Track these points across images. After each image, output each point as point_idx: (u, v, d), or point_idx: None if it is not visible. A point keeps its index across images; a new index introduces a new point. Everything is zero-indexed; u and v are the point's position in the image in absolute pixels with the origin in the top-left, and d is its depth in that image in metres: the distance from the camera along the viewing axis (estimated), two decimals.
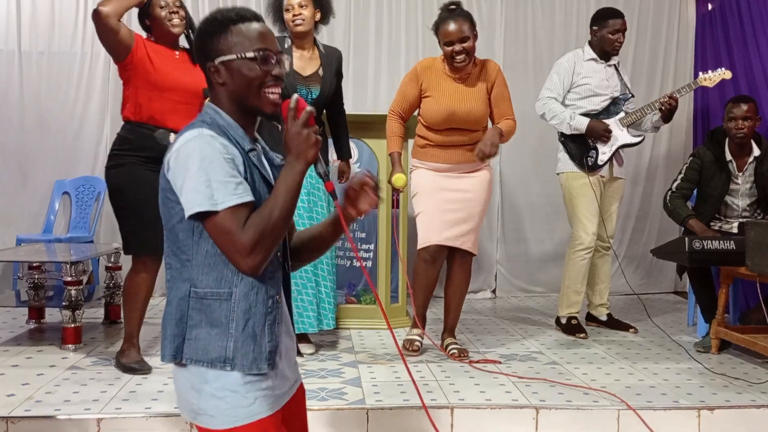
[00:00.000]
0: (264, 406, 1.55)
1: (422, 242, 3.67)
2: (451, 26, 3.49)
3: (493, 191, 5.45)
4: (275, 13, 3.67)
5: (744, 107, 3.93)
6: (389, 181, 3.65)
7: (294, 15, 3.55)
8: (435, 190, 3.66)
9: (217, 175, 1.47)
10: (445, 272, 3.82)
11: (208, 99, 1.63)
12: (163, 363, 1.60)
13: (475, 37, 3.58)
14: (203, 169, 1.47)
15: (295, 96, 1.58)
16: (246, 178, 1.52)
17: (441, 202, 3.64)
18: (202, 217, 1.48)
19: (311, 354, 3.67)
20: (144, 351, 3.47)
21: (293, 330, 1.75)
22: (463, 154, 3.64)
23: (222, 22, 1.57)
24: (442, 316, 3.84)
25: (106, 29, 3.18)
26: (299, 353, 3.63)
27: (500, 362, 3.58)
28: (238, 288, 1.53)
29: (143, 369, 3.28)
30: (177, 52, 3.37)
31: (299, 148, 1.53)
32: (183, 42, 3.46)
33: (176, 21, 3.33)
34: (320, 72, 3.63)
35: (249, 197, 1.49)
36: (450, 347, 3.69)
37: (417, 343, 3.69)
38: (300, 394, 1.76)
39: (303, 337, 3.71)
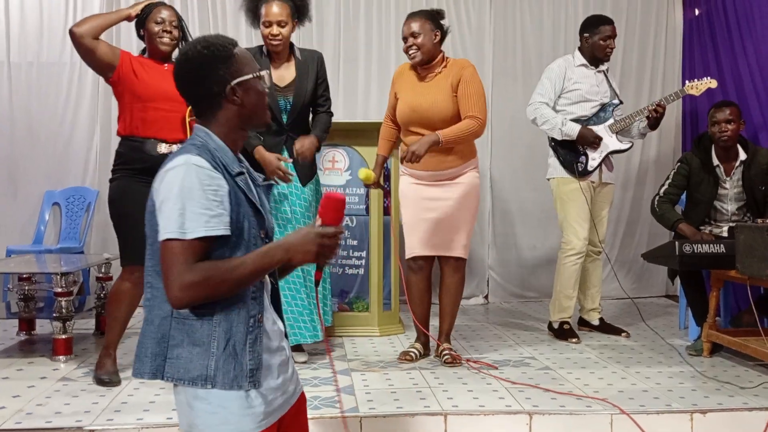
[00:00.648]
0: (254, 423, 1.59)
1: (408, 253, 3.71)
2: (407, 23, 3.63)
3: (484, 197, 5.53)
4: (251, 13, 3.63)
5: (726, 111, 3.97)
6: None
7: (272, 35, 3.52)
8: (417, 199, 3.68)
9: (192, 206, 1.51)
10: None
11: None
12: (140, 379, 1.65)
13: (433, 33, 3.58)
14: (181, 198, 1.52)
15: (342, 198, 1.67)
16: (231, 204, 1.57)
17: (422, 210, 3.66)
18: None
19: (303, 362, 3.65)
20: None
21: (287, 340, 1.77)
22: (440, 161, 3.60)
23: (226, 47, 1.65)
24: (437, 322, 3.85)
25: (82, 49, 3.28)
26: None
27: (497, 367, 3.57)
28: (220, 307, 1.57)
29: (112, 381, 3.26)
30: (166, 65, 3.38)
31: (306, 246, 1.59)
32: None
33: (166, 40, 3.35)
34: (296, 79, 3.60)
35: (219, 231, 1.54)
36: (444, 354, 3.69)
37: (411, 355, 3.70)
38: (300, 403, 1.80)
39: (296, 346, 3.70)
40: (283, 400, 1.70)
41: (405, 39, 3.61)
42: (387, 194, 4.49)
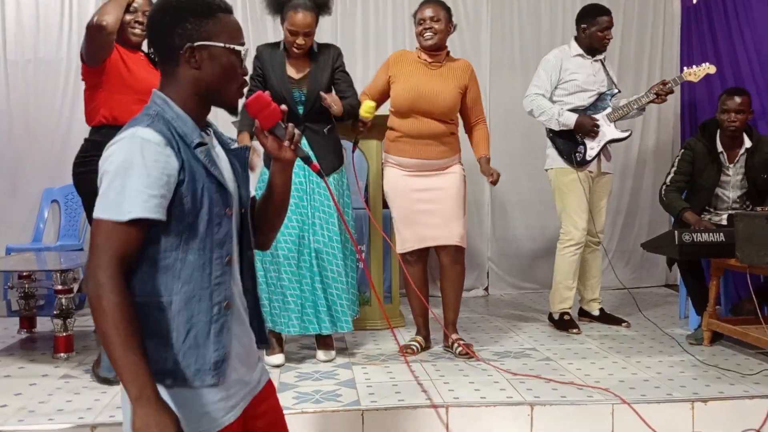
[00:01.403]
0: (216, 420, 1.48)
1: (402, 247, 3.69)
2: (427, 8, 3.67)
3: (482, 188, 5.53)
4: (271, 9, 3.57)
5: (738, 100, 3.95)
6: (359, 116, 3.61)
7: (298, 44, 3.49)
8: (406, 191, 3.67)
9: (132, 183, 1.40)
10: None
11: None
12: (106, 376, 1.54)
13: (448, 25, 3.67)
14: (121, 174, 1.40)
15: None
16: (182, 180, 1.45)
17: (414, 202, 3.66)
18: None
19: (329, 361, 3.60)
20: None
21: (257, 328, 1.67)
22: (431, 150, 3.64)
23: (209, 5, 1.52)
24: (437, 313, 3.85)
25: (106, 43, 3.13)
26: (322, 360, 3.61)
27: (490, 361, 3.57)
28: (179, 296, 1.46)
29: (114, 379, 3.19)
30: (141, 54, 3.34)
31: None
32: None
33: (138, 31, 3.26)
34: (311, 73, 3.58)
35: (156, 214, 1.40)
36: (455, 344, 3.68)
37: (412, 348, 3.70)
38: (267, 392, 1.67)
39: (323, 341, 3.65)
40: (246, 391, 1.58)
41: (422, 21, 3.64)
42: None
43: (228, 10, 1.56)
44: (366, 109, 3.56)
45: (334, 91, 3.62)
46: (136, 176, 1.40)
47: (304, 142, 3.51)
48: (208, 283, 1.49)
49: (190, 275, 1.47)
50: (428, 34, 3.63)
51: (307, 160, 1.66)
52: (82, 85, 4.89)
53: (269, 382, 1.70)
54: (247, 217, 1.64)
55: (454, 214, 3.67)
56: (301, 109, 3.57)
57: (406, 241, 3.70)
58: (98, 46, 3.13)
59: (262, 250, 1.79)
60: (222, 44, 1.52)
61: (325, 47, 3.69)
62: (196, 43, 1.50)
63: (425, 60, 3.70)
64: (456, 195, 3.68)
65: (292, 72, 3.59)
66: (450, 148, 3.69)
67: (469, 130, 3.84)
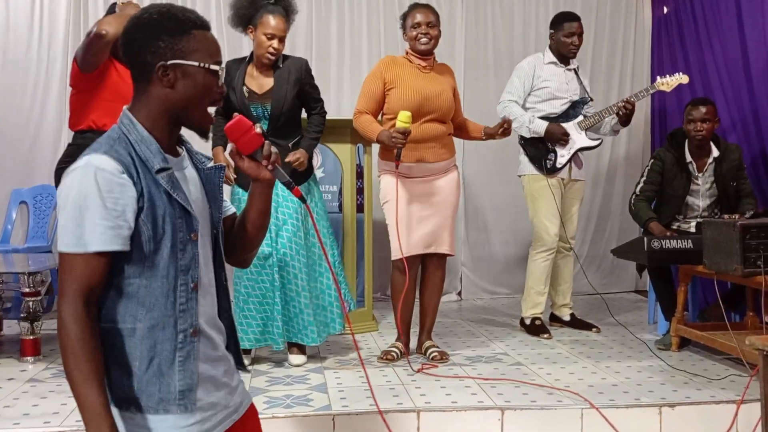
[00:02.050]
0: None
1: (395, 253, 3.66)
2: (420, 12, 3.68)
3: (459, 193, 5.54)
4: (242, 19, 3.55)
5: (703, 110, 4.01)
6: (396, 129, 3.44)
7: (274, 47, 3.48)
8: (407, 198, 3.64)
9: (89, 215, 1.37)
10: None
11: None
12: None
13: (439, 31, 3.71)
14: (78, 206, 1.38)
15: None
16: (142, 207, 1.41)
17: (414, 209, 3.64)
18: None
19: (300, 365, 3.59)
20: None
21: (234, 350, 1.65)
22: (433, 153, 3.64)
23: (184, 22, 1.48)
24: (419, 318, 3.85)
25: (104, 49, 3.20)
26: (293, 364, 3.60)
27: (437, 366, 3.55)
28: (142, 323, 1.43)
29: None
30: None
31: None
32: None
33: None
34: (274, 88, 3.55)
35: (116, 245, 1.39)
36: (430, 351, 3.69)
37: (392, 354, 3.67)
38: (249, 416, 1.65)
39: (296, 346, 3.63)
40: (224, 415, 1.55)
41: (418, 25, 3.64)
42: (360, 191, 4.49)
43: (204, 27, 1.51)
44: (404, 119, 3.42)
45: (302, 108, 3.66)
46: (93, 208, 1.38)
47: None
48: (173, 310, 1.46)
49: (154, 302, 1.44)
50: (425, 39, 3.64)
51: (289, 185, 1.63)
52: (51, 85, 4.85)
53: (251, 406, 1.68)
54: (220, 237, 1.61)
55: (446, 222, 3.69)
56: (265, 125, 3.54)
57: (403, 246, 3.63)
58: (94, 52, 3.21)
59: (242, 267, 1.78)
60: (196, 63, 1.48)
61: (292, 61, 3.63)
62: (169, 62, 1.46)
63: (419, 64, 3.69)
64: (451, 202, 3.71)
65: (254, 87, 3.56)
66: (448, 150, 3.71)
67: (458, 126, 3.83)
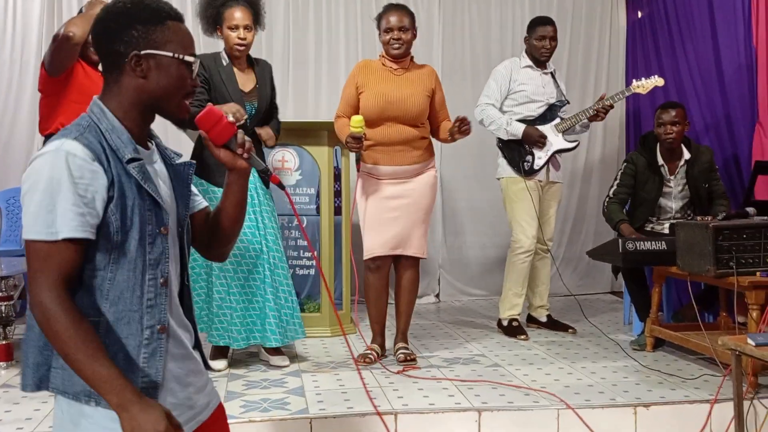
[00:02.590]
0: None
1: (367, 253, 3.69)
2: (393, 15, 3.66)
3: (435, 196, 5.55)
4: (209, 22, 3.60)
5: (672, 113, 4.07)
6: (350, 134, 3.48)
7: (240, 38, 3.51)
8: (377, 199, 3.67)
9: (61, 201, 1.34)
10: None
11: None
12: (25, 392, 1.46)
13: (414, 33, 3.70)
14: (49, 191, 1.34)
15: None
16: (111, 196, 1.38)
17: (383, 210, 3.66)
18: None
19: (285, 366, 3.59)
20: None
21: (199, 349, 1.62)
22: (404, 156, 3.65)
23: (158, 12, 1.46)
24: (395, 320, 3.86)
25: (72, 52, 3.19)
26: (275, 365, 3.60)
27: (420, 368, 3.56)
28: (105, 317, 1.40)
29: None
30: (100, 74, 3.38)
31: (147, 426, 1.33)
32: None
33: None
34: (257, 86, 3.63)
35: (85, 233, 1.35)
36: (398, 352, 3.70)
37: (370, 357, 3.67)
38: (217, 416, 1.63)
39: (276, 350, 3.63)
40: (189, 416, 1.51)
41: (390, 30, 3.63)
42: (338, 194, 4.49)
43: (179, 18, 1.50)
44: (355, 123, 3.45)
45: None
46: (64, 193, 1.34)
47: None
48: (139, 305, 1.42)
49: (119, 296, 1.41)
50: (396, 44, 3.63)
51: (265, 172, 1.63)
52: (25, 88, 4.79)
53: (219, 406, 1.65)
54: (185, 236, 1.58)
55: (417, 225, 3.69)
56: (248, 123, 3.57)
57: (371, 247, 3.67)
58: (63, 56, 3.20)
59: (219, 261, 1.76)
60: (171, 54, 1.46)
61: (263, 63, 3.74)
62: (142, 51, 1.44)
63: (390, 67, 3.70)
64: (423, 205, 3.71)
65: (241, 85, 3.59)
66: (422, 153, 3.70)
67: (436, 129, 3.81)
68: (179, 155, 1.62)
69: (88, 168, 1.36)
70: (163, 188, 1.52)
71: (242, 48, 3.54)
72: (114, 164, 1.40)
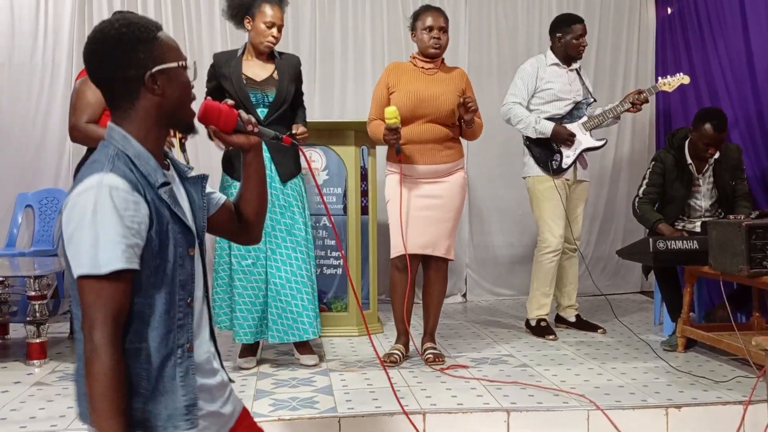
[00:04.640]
0: None
1: (394, 251, 3.68)
2: (432, 15, 3.68)
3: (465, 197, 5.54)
4: (242, 9, 3.60)
5: (721, 136, 3.95)
6: (386, 126, 3.50)
7: (274, 36, 3.57)
8: (407, 198, 3.65)
9: (107, 234, 1.35)
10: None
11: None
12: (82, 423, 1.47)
13: (448, 36, 3.72)
14: (94, 227, 1.36)
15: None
16: (151, 224, 1.41)
17: (412, 209, 3.65)
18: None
19: (314, 365, 3.61)
20: None
21: (220, 361, 1.65)
22: (435, 155, 3.63)
23: (148, 27, 1.47)
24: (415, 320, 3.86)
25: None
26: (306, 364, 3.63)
27: (468, 366, 3.59)
28: (147, 343, 1.42)
29: None
30: None
31: None
32: None
33: None
34: (275, 76, 3.63)
35: (135, 264, 1.38)
36: (426, 352, 3.70)
37: (395, 356, 3.67)
38: (241, 420, 1.66)
39: (306, 348, 3.66)
40: (219, 425, 1.56)
41: (430, 29, 3.64)
42: (364, 194, 4.49)
43: (161, 28, 1.51)
44: (390, 115, 3.46)
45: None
46: (110, 227, 1.35)
47: (264, 148, 3.52)
48: (173, 326, 1.45)
49: (159, 320, 1.44)
50: (436, 44, 3.64)
51: (277, 138, 1.69)
52: (56, 89, 4.89)
53: (243, 410, 1.69)
54: (203, 246, 1.60)
55: (447, 225, 3.68)
56: (262, 113, 3.58)
57: (398, 246, 3.65)
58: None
59: (254, 244, 1.81)
60: (176, 64, 1.49)
61: (288, 56, 3.75)
62: (154, 70, 1.45)
63: (422, 67, 3.70)
64: (454, 205, 3.69)
65: (251, 74, 3.60)
66: (453, 152, 3.69)
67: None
68: (191, 168, 1.64)
69: (131, 200, 1.38)
70: (186, 207, 1.54)
71: (273, 46, 3.60)
72: (147, 191, 1.43)
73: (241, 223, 1.71)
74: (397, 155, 3.57)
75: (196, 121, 1.59)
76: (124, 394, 1.37)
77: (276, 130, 3.51)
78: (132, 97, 1.46)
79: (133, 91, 1.46)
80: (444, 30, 3.66)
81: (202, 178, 1.63)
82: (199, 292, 1.55)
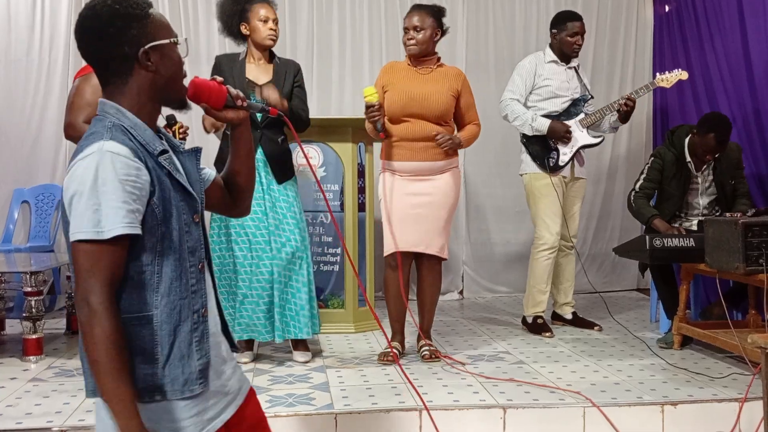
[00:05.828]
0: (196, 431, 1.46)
1: (387, 249, 3.69)
2: (410, 15, 3.69)
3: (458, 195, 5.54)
4: (230, 20, 3.64)
5: (722, 148, 3.94)
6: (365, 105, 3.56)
7: (272, 29, 3.61)
8: (399, 195, 3.66)
9: (109, 200, 1.35)
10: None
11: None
12: (90, 399, 1.48)
13: (435, 31, 3.67)
14: (95, 192, 1.35)
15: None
16: (154, 191, 1.42)
17: (405, 207, 3.65)
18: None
19: (305, 362, 3.62)
20: None
21: (230, 337, 1.66)
22: (427, 153, 3.63)
23: (141, 6, 1.47)
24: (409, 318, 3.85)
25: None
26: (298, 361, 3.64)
27: (465, 363, 3.59)
28: (159, 309, 1.43)
29: None
30: None
31: None
32: None
33: None
34: (274, 80, 3.64)
35: (137, 229, 1.38)
36: (422, 349, 3.70)
37: (391, 356, 3.68)
38: (249, 399, 1.66)
39: (300, 343, 3.68)
40: (227, 402, 1.56)
41: (407, 29, 3.66)
42: (361, 191, 4.49)
43: (152, 5, 1.52)
44: (366, 93, 3.53)
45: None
46: (111, 192, 1.35)
47: (260, 151, 3.57)
48: (186, 292, 1.47)
49: (169, 287, 1.44)
50: (410, 42, 3.65)
51: (264, 110, 1.74)
52: (53, 86, 4.90)
53: (250, 390, 1.68)
54: (203, 219, 1.61)
55: (439, 224, 3.67)
56: (259, 116, 3.57)
57: (391, 243, 3.66)
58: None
59: (244, 216, 1.83)
60: (168, 40, 1.50)
61: (287, 61, 3.78)
62: (147, 46, 1.46)
63: (416, 66, 3.71)
64: (446, 203, 3.68)
65: (253, 77, 3.63)
66: (446, 151, 3.67)
67: (460, 130, 3.82)
68: (183, 142, 1.64)
69: (133, 165, 1.39)
70: (184, 178, 1.55)
71: (274, 39, 3.63)
72: (147, 159, 1.43)
73: (232, 197, 1.74)
74: (379, 133, 3.61)
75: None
76: (126, 357, 1.36)
77: (272, 131, 3.59)
78: (125, 73, 1.47)
79: (126, 68, 1.47)
80: (419, 29, 3.63)
81: (197, 151, 1.63)
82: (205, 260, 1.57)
